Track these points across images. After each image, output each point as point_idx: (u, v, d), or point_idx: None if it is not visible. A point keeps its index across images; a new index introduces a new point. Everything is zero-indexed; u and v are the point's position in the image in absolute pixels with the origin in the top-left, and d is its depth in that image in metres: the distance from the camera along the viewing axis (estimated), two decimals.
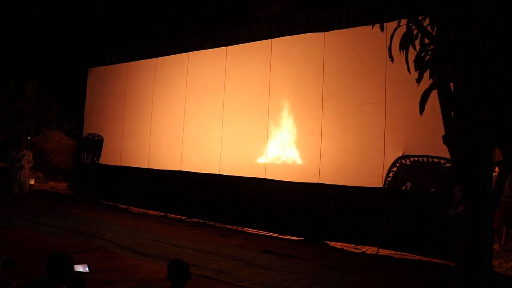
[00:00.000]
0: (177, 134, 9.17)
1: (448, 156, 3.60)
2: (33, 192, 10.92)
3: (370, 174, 6.50)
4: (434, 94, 3.20)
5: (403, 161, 6.28)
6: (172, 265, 2.95)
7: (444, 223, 5.56)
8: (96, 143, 11.06)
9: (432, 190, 6.02)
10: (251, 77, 8.12)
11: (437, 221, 5.66)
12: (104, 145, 10.89)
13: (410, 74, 3.36)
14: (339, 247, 6.75)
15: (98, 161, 10.91)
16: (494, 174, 3.68)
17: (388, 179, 6.36)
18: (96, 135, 11.18)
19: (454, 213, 5.27)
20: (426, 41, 3.26)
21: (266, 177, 7.67)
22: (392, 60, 3.40)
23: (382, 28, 3.80)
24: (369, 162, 6.55)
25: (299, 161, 7.42)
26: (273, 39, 7.88)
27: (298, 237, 7.22)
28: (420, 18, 3.26)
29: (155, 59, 9.91)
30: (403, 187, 6.27)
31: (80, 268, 3.48)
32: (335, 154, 6.93)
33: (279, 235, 7.44)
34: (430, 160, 6.03)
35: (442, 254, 5.80)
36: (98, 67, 11.44)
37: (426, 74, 3.31)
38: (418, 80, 3.33)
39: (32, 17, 20.73)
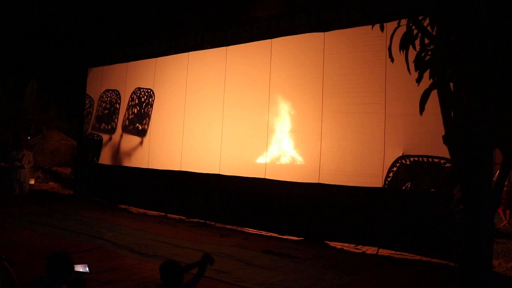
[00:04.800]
0: (177, 134, 9.17)
1: (448, 156, 3.61)
2: (33, 192, 10.92)
3: (370, 174, 6.51)
4: (434, 94, 3.20)
5: (403, 161, 6.28)
6: (163, 267, 2.93)
7: (447, 216, 5.52)
8: (96, 143, 11.07)
9: (432, 190, 6.02)
10: (251, 77, 8.12)
11: (443, 209, 5.59)
12: (103, 145, 10.89)
13: (410, 74, 3.37)
14: (339, 247, 6.75)
15: (98, 161, 10.91)
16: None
17: (388, 179, 6.37)
18: (96, 135, 11.18)
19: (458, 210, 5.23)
20: (426, 41, 3.26)
21: (266, 177, 7.68)
22: (392, 60, 3.41)
23: (382, 28, 3.80)
24: (369, 162, 6.55)
25: (299, 161, 7.43)
26: (273, 39, 7.88)
27: (298, 237, 7.22)
28: (420, 18, 3.26)
29: (155, 59, 9.92)
30: (403, 187, 6.27)
31: (80, 268, 3.47)
32: (335, 154, 6.93)
33: (279, 235, 7.45)
34: (430, 160, 6.03)
35: (442, 254, 5.80)
36: (98, 67, 11.45)
37: (426, 74, 3.31)
38: (418, 80, 3.33)
39: (32, 17, 20.74)
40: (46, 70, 20.74)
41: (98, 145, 10.98)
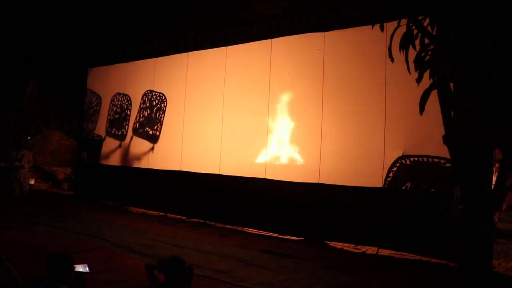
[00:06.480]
0: (177, 134, 9.17)
1: (448, 156, 3.60)
2: (33, 192, 10.91)
3: (370, 174, 6.50)
4: (434, 94, 3.20)
5: (403, 161, 6.28)
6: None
7: (447, 216, 5.53)
8: (96, 143, 11.06)
9: (432, 190, 6.02)
10: (251, 77, 8.12)
11: (443, 209, 5.61)
12: (104, 145, 10.88)
13: (410, 74, 3.36)
14: (339, 247, 6.75)
15: (98, 161, 10.91)
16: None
17: (388, 179, 6.36)
18: (96, 135, 11.17)
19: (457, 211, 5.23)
20: (426, 41, 3.26)
21: (266, 177, 7.67)
22: (392, 60, 3.40)
23: (382, 28, 3.80)
24: (369, 162, 6.55)
25: (299, 161, 7.42)
26: (273, 39, 7.88)
27: (298, 237, 7.22)
28: (420, 18, 3.26)
29: (155, 59, 9.91)
30: (403, 187, 6.27)
31: (80, 268, 3.47)
32: (335, 154, 6.93)
33: (279, 235, 7.44)
34: (430, 160, 6.03)
35: (442, 254, 5.80)
36: (98, 67, 11.44)
37: (426, 74, 3.31)
38: (418, 80, 3.33)
39: (32, 17, 20.75)
40: (46, 70, 20.73)
41: (98, 146, 10.98)
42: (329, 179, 6.91)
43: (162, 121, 9.60)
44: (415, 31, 3.25)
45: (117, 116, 10.68)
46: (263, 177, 7.70)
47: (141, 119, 10.07)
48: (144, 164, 9.77)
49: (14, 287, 3.15)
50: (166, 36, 9.92)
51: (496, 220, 7.96)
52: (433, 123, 5.34)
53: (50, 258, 2.79)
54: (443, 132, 3.19)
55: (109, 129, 10.86)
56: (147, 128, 9.91)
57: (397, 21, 3.46)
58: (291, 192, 7.32)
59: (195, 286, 3.22)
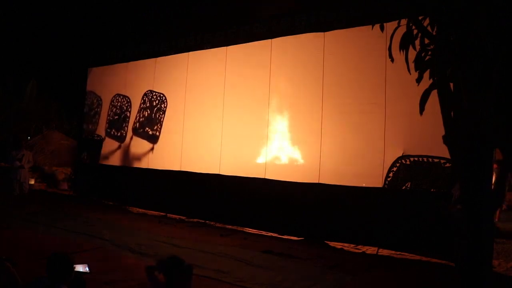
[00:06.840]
0: (177, 134, 9.17)
1: (448, 156, 3.60)
2: (33, 192, 10.91)
3: (370, 174, 6.50)
4: (434, 94, 3.20)
5: (403, 161, 6.28)
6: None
7: (447, 216, 5.53)
8: (96, 143, 11.06)
9: (432, 190, 6.02)
10: (251, 77, 8.12)
11: (443, 210, 5.62)
12: (104, 145, 10.88)
13: (410, 74, 3.36)
14: (339, 247, 6.75)
15: (98, 161, 10.91)
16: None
17: (388, 179, 6.37)
18: (96, 135, 11.18)
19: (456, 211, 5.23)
20: (426, 41, 3.26)
21: (266, 177, 7.67)
22: (392, 60, 3.40)
23: (382, 28, 3.80)
24: (369, 162, 6.55)
25: (299, 161, 7.43)
26: (273, 39, 7.88)
27: (298, 237, 7.22)
28: (420, 18, 3.26)
29: (155, 59, 9.91)
30: (403, 187, 6.27)
31: (80, 268, 3.48)
32: (335, 154, 6.93)
33: (279, 235, 7.44)
34: (430, 160, 6.03)
35: (442, 254, 5.80)
36: (98, 67, 11.44)
37: (426, 74, 3.30)
38: (418, 80, 3.32)
39: (32, 17, 20.76)
40: (46, 70, 20.74)
41: (98, 146, 10.98)
42: (329, 179, 6.91)
43: (162, 121, 9.59)
44: (415, 31, 3.25)
45: (117, 117, 10.68)
46: (263, 177, 7.70)
47: (141, 119, 10.07)
48: (144, 164, 9.77)
49: (14, 287, 3.15)
50: (166, 36, 9.91)
51: (496, 220, 7.94)
52: (433, 123, 5.34)
53: (50, 258, 2.80)
54: (443, 132, 3.19)
55: (109, 130, 10.85)
56: (147, 128, 9.90)
57: (397, 21, 3.45)
58: (291, 192, 7.32)
59: (195, 286, 3.23)
